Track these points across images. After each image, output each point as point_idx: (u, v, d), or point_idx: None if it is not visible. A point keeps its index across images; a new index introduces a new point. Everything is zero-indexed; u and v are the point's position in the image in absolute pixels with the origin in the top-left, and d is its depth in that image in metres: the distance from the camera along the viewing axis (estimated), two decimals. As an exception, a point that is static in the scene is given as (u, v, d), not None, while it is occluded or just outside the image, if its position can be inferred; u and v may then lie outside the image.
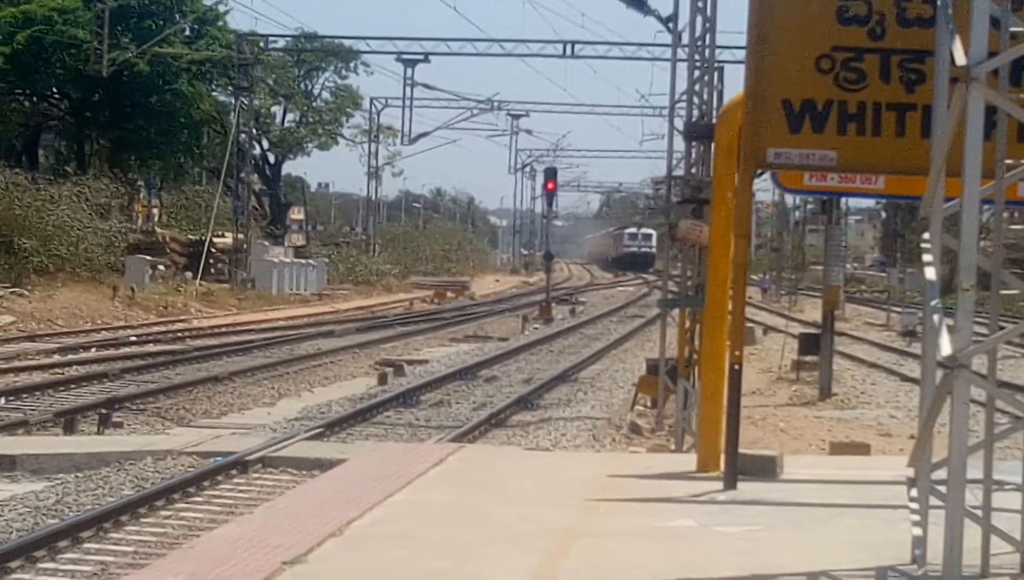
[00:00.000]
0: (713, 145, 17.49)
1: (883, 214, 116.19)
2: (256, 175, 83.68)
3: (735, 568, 10.61)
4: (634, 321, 55.23)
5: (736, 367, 14.11)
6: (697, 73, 22.93)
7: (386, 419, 24.45)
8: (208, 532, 13.02)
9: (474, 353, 38.52)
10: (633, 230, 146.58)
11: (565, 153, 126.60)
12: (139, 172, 74.38)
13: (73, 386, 27.14)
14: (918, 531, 10.53)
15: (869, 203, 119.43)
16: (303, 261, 71.88)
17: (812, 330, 37.07)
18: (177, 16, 68.99)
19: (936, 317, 9.79)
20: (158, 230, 66.67)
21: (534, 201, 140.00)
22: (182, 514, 14.81)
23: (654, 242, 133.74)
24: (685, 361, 21.37)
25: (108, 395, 25.34)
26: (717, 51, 23.41)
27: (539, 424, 24.16)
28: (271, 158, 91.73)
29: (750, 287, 75.46)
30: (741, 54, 15.03)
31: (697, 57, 22.97)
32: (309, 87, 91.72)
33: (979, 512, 10.06)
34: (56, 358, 33.09)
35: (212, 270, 62.40)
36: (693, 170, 22.67)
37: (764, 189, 69.88)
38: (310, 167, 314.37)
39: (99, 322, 44.42)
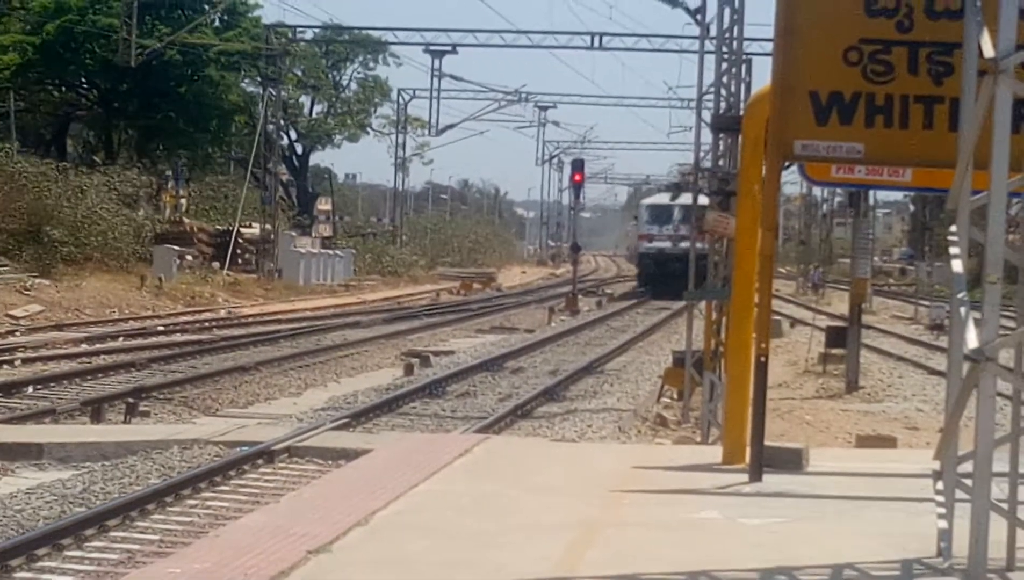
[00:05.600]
0: (740, 137, 17.47)
1: (911, 207, 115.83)
2: (283, 166, 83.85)
3: (760, 560, 10.60)
4: (660, 313, 55.19)
5: (762, 359, 14.09)
6: (725, 65, 22.96)
7: (412, 410, 24.48)
8: (234, 521, 13.05)
9: (500, 344, 38.50)
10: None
11: (592, 145, 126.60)
12: (167, 162, 74.57)
13: (100, 375, 27.24)
14: (944, 524, 10.51)
15: (897, 196, 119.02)
16: (330, 252, 72.05)
17: (839, 323, 37.02)
18: (206, 6, 69.15)
19: (963, 310, 9.77)
20: (186, 220, 66.80)
21: (561, 193, 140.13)
22: (208, 503, 14.84)
23: None
24: (711, 353, 21.38)
25: (135, 384, 25.41)
26: (745, 43, 23.47)
27: (565, 415, 24.16)
28: (299, 149, 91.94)
29: (785, 281, 75.20)
30: (769, 46, 15.02)
31: (725, 49, 22.99)
32: (337, 78, 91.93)
33: (1005, 505, 10.04)
34: (84, 347, 33.21)
35: (239, 260, 62.54)
36: (720, 162, 22.72)
37: (792, 182, 70.15)
38: (337, 158, 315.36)
39: (127, 312, 44.58)
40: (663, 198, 69.32)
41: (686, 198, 65.18)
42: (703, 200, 60.56)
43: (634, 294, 68.68)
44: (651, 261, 69.81)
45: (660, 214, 70.55)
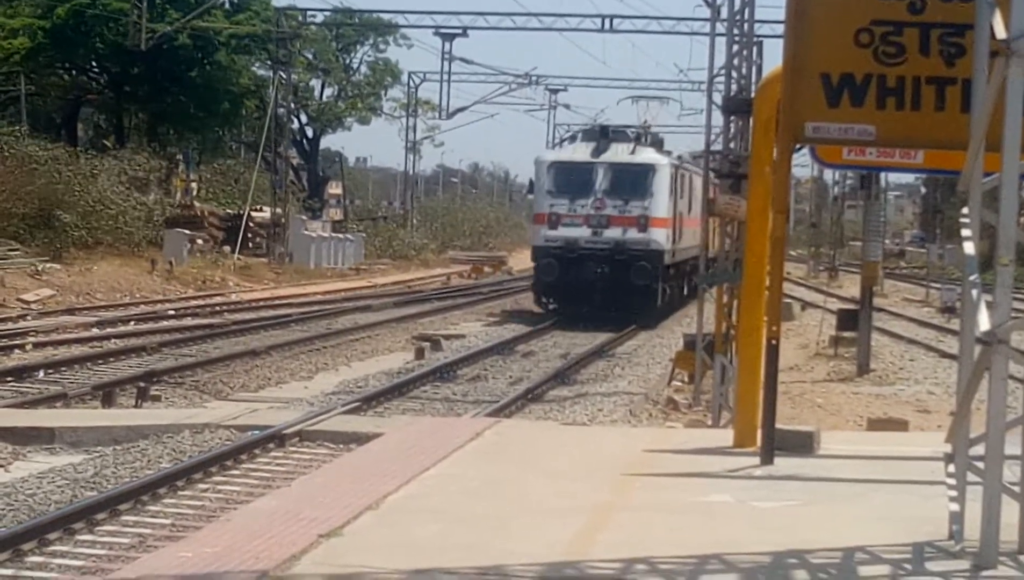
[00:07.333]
0: (751, 120, 17.44)
1: (923, 190, 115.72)
2: (294, 149, 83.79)
3: (771, 543, 10.59)
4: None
5: (773, 342, 14.07)
6: (736, 47, 22.88)
7: (423, 393, 24.49)
8: (245, 505, 13.07)
9: (511, 328, 38.47)
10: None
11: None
12: (178, 146, 74.58)
13: (112, 359, 27.25)
14: (955, 507, 10.49)
15: (908, 179, 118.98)
16: (341, 235, 71.95)
17: (850, 306, 36.96)
18: (217, -10, 69.21)
19: (975, 292, 9.75)
20: (196, 204, 66.80)
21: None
22: (219, 487, 14.86)
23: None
24: (722, 336, 21.35)
25: (146, 368, 25.44)
26: (756, 25, 23.35)
27: (576, 399, 24.16)
28: (309, 132, 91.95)
29: (796, 264, 71.95)
30: (780, 28, 14.98)
31: (736, 31, 22.91)
32: (348, 61, 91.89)
33: (1017, 488, 10.01)
34: (95, 331, 33.22)
35: (250, 244, 62.54)
36: (731, 145, 22.64)
37: (803, 164, 69.35)
38: (348, 141, 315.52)
39: (138, 296, 44.59)
40: (580, 151, 43.72)
41: (620, 151, 42.16)
42: (650, 156, 42.57)
43: (523, 316, 43.60)
44: (554, 261, 41.69)
45: (572, 178, 42.35)
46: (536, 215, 43.47)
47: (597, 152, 42.56)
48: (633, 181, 41.52)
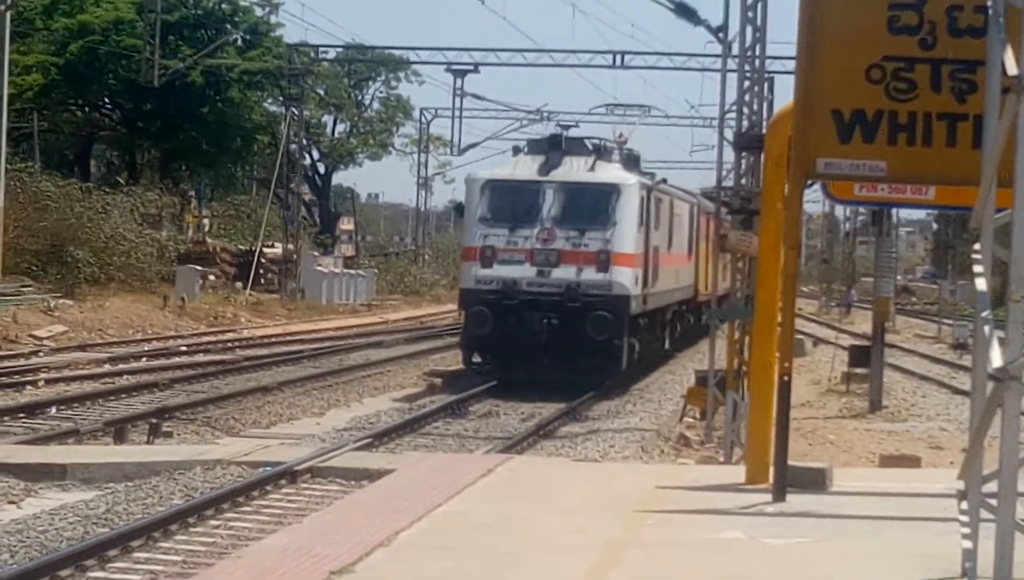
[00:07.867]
0: (763, 155, 17.46)
1: (934, 225, 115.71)
2: (306, 185, 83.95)
3: (784, 580, 10.57)
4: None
5: (785, 379, 14.05)
6: (747, 83, 22.93)
7: (434, 430, 24.48)
8: (257, 542, 13.06)
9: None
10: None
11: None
12: (190, 182, 74.82)
13: (123, 395, 27.26)
14: (968, 544, 10.45)
15: (920, 214, 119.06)
16: (352, 271, 71.99)
17: (862, 342, 36.89)
18: (229, 27, 69.41)
19: (987, 329, 9.73)
20: (208, 240, 66.95)
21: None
22: (231, 523, 14.84)
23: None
24: (734, 372, 21.33)
25: (158, 405, 25.43)
26: (767, 61, 23.44)
27: (587, 435, 24.14)
28: (321, 168, 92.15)
29: (808, 300, 71.20)
30: (791, 64, 15.00)
31: (747, 67, 22.97)
32: (359, 97, 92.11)
33: (1030, 525, 9.98)
34: (107, 367, 33.23)
35: (262, 280, 62.59)
36: (743, 181, 22.68)
37: (814, 200, 69.31)
38: (360, 177, 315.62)
39: (150, 332, 44.57)
40: (523, 167, 33.73)
41: (575, 167, 32.96)
42: (613, 173, 32.62)
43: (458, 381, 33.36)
44: (487, 310, 32.06)
45: (512, 201, 33.07)
46: (465, 249, 33.82)
47: (546, 168, 32.96)
48: (591, 206, 32.37)
